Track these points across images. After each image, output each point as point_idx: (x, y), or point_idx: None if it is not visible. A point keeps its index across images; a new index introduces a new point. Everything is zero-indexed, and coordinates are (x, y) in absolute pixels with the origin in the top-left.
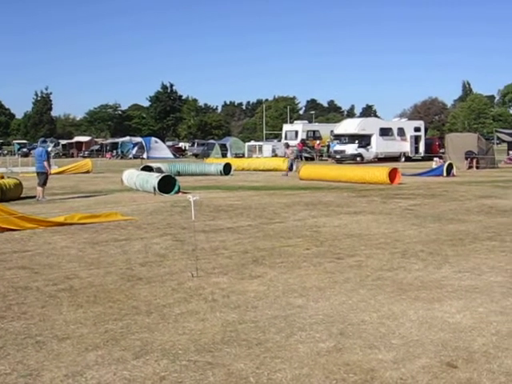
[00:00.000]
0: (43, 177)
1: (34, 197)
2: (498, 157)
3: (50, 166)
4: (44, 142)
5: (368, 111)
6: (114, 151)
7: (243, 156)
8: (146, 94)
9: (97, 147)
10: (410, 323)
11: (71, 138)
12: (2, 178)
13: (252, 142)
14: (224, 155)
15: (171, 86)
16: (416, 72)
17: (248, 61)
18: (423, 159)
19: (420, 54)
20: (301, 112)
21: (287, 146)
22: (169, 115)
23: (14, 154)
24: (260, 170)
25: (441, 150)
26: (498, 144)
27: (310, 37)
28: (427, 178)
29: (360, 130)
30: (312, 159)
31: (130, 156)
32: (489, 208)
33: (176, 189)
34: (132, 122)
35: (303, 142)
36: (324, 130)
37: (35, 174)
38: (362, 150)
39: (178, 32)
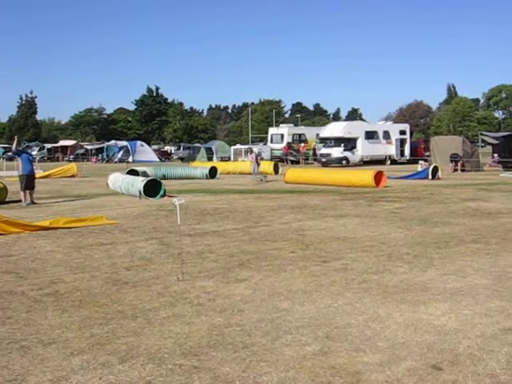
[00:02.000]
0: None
1: (19, 201)
2: (482, 160)
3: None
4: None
5: (354, 114)
6: (100, 155)
7: (229, 159)
8: (131, 98)
9: (82, 151)
10: (395, 326)
11: (56, 142)
12: None
13: (238, 146)
14: (210, 159)
15: (157, 89)
16: (401, 75)
17: (233, 64)
18: (409, 162)
19: (405, 58)
20: (286, 115)
21: (251, 151)
22: (154, 119)
23: None
24: (246, 174)
25: (426, 153)
26: (482, 147)
27: (296, 40)
28: (413, 181)
29: (346, 134)
30: (297, 162)
31: (116, 160)
32: (474, 211)
33: (162, 192)
34: (117, 125)
35: (289, 145)
36: (310, 133)
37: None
38: (347, 154)
39: (164, 36)
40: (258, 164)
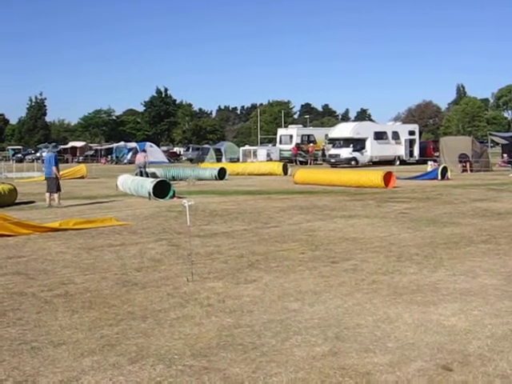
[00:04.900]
0: (53, 182)
1: (29, 202)
2: (492, 160)
3: (58, 170)
4: (55, 147)
5: (362, 115)
6: (109, 156)
7: (238, 160)
8: (140, 99)
9: (91, 152)
10: (405, 326)
11: (66, 144)
12: None
13: (247, 147)
14: (219, 160)
15: (166, 90)
16: (410, 75)
17: (242, 65)
18: (418, 163)
19: (414, 58)
20: (295, 116)
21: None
22: (163, 120)
23: (9, 160)
24: (255, 175)
25: (435, 154)
26: (491, 147)
27: (304, 41)
28: (422, 182)
29: (355, 134)
30: (306, 163)
31: (125, 161)
32: (483, 211)
33: (171, 194)
34: (126, 127)
35: (298, 146)
36: (319, 134)
37: (32, 180)
38: (356, 154)
39: (173, 37)
40: (145, 166)
